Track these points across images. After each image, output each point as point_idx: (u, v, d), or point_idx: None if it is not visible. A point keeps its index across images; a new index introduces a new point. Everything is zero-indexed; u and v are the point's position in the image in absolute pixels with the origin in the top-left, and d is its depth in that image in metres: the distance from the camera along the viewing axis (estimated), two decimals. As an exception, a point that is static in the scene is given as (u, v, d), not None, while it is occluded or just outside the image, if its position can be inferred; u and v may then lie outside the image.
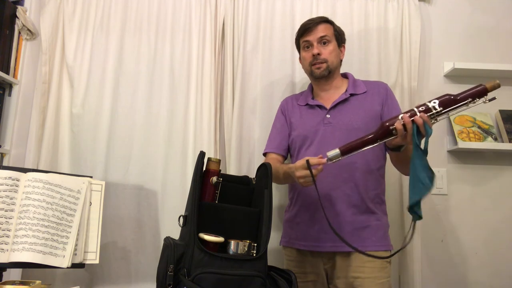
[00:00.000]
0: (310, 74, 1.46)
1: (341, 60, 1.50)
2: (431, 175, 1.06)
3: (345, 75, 1.52)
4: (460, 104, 1.12)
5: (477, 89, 1.13)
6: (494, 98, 1.12)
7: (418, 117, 1.08)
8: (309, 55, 1.42)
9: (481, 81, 1.88)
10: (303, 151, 1.42)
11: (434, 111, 1.10)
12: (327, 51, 1.41)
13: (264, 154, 1.55)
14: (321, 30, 1.42)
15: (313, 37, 1.42)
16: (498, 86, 1.11)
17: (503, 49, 1.91)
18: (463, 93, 1.13)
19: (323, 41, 1.42)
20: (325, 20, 1.45)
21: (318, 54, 1.40)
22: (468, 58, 1.89)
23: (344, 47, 1.50)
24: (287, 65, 1.82)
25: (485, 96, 1.12)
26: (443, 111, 1.11)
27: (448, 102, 1.12)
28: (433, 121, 1.11)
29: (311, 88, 1.53)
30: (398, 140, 1.12)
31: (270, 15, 1.86)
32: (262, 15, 1.85)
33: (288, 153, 1.53)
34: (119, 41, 1.83)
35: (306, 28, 1.44)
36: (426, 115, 1.08)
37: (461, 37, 1.92)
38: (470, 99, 1.12)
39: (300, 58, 1.52)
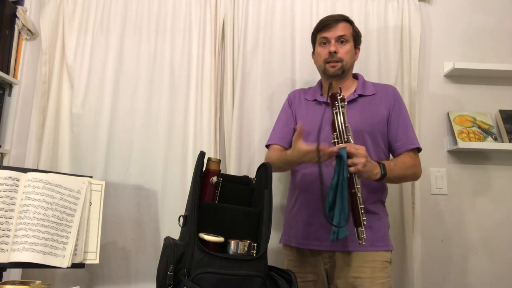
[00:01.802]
0: (323, 71, 1.44)
1: (354, 62, 1.48)
2: (337, 230, 1.14)
3: (355, 76, 1.51)
4: (335, 113, 1.22)
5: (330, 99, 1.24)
6: (342, 99, 1.23)
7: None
8: (325, 52, 1.41)
9: (481, 81, 1.90)
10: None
11: (337, 140, 1.21)
12: (344, 51, 1.40)
13: (268, 146, 1.53)
14: (341, 29, 1.41)
15: (331, 34, 1.40)
16: (334, 86, 1.24)
17: (503, 49, 1.91)
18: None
19: (341, 40, 1.40)
20: (345, 19, 1.43)
21: (335, 52, 1.39)
22: (468, 58, 1.89)
23: (359, 48, 1.48)
24: (287, 65, 1.82)
25: (337, 100, 1.22)
26: (338, 132, 1.21)
27: (332, 125, 1.22)
28: (341, 141, 1.20)
29: (320, 84, 1.52)
30: (359, 174, 1.19)
31: (270, 15, 1.86)
32: (262, 15, 1.85)
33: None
34: (119, 41, 1.83)
35: (325, 25, 1.42)
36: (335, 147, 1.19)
37: (461, 37, 1.92)
38: (333, 108, 1.22)
39: (313, 53, 1.51)
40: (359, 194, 1.17)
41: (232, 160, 1.74)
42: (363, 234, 1.17)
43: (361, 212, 1.17)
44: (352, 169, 1.16)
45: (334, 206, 1.16)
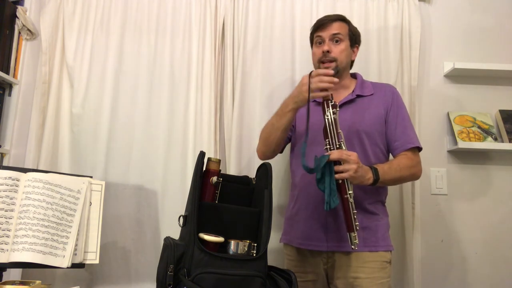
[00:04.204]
0: None
1: (353, 61, 1.48)
2: (329, 199, 1.17)
3: (354, 76, 1.51)
4: (327, 119, 1.24)
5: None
6: (334, 105, 1.25)
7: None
8: (319, 51, 1.41)
9: (481, 81, 1.90)
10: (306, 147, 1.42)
11: (329, 146, 1.23)
12: (338, 50, 1.39)
13: None
14: (335, 28, 1.40)
15: (326, 33, 1.41)
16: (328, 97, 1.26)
17: (503, 49, 1.91)
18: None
19: (335, 39, 1.40)
20: (341, 19, 1.43)
21: (328, 51, 1.38)
22: (468, 58, 1.89)
23: (357, 48, 1.48)
24: (287, 65, 1.82)
25: (328, 106, 1.24)
26: (330, 138, 1.23)
27: (324, 132, 1.24)
28: (333, 147, 1.22)
29: None
30: (351, 180, 1.19)
31: (270, 15, 1.86)
32: (262, 15, 1.85)
33: (283, 148, 1.53)
34: (119, 41, 1.83)
35: (320, 24, 1.42)
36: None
37: (461, 37, 1.92)
38: (325, 115, 1.25)
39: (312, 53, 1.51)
40: (351, 200, 1.18)
41: (232, 160, 1.74)
42: (356, 239, 1.17)
43: (354, 218, 1.17)
44: (343, 175, 1.17)
45: (322, 179, 1.18)
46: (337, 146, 1.21)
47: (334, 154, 1.18)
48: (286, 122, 1.35)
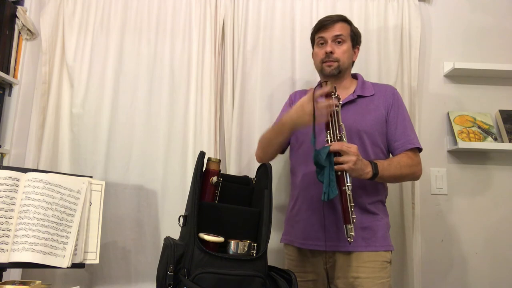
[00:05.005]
0: (320, 71, 1.45)
1: (354, 62, 1.49)
2: (328, 190, 1.16)
3: (355, 76, 1.51)
4: (335, 116, 1.23)
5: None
6: (337, 97, 1.24)
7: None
8: (322, 52, 1.42)
9: (481, 81, 1.90)
10: (305, 146, 1.42)
11: (330, 138, 1.23)
12: (341, 51, 1.40)
13: None
14: (338, 29, 1.41)
15: (328, 34, 1.41)
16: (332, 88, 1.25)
17: (503, 49, 1.91)
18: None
19: (338, 40, 1.41)
20: (343, 19, 1.44)
21: (331, 52, 1.39)
22: (468, 58, 1.89)
23: (358, 48, 1.49)
24: (287, 65, 1.82)
25: (331, 99, 1.23)
26: (332, 130, 1.22)
27: (326, 124, 1.23)
28: (334, 139, 1.23)
29: (320, 85, 1.52)
30: (350, 172, 1.19)
31: (270, 15, 1.86)
32: (262, 15, 1.85)
33: (286, 148, 1.53)
34: (119, 41, 1.83)
35: (322, 25, 1.43)
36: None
37: (461, 37, 1.92)
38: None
39: (313, 54, 1.52)
40: (349, 192, 1.18)
41: (232, 160, 1.74)
42: (352, 232, 1.16)
43: (351, 210, 1.17)
44: (343, 166, 1.17)
45: (321, 171, 1.18)
46: (338, 138, 1.21)
47: (335, 146, 1.18)
48: (283, 140, 1.39)
